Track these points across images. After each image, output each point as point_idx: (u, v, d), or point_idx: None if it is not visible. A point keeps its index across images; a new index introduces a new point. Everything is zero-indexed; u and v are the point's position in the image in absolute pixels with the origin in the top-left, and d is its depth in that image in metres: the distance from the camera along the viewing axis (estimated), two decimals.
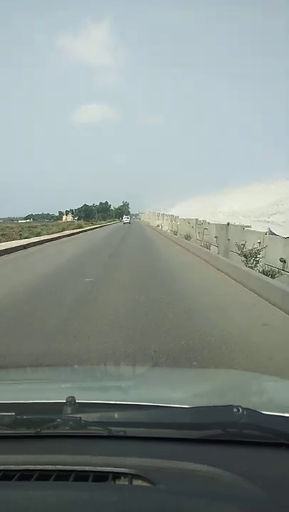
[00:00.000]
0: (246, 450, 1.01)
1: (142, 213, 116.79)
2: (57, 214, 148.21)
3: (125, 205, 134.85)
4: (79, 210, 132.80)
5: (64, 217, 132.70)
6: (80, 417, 1.03)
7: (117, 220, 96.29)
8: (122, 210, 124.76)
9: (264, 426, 1.01)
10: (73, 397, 1.07)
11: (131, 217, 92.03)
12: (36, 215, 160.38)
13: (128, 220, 72.51)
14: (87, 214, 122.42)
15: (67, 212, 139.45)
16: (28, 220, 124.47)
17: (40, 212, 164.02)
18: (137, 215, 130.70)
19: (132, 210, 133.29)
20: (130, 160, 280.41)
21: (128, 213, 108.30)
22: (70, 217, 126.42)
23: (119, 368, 2.89)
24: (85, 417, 1.04)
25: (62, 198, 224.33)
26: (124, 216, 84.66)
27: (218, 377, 1.95)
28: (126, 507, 0.82)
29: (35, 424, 1.04)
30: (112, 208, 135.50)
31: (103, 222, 74.95)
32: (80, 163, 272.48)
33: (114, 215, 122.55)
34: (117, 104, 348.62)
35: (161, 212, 40.65)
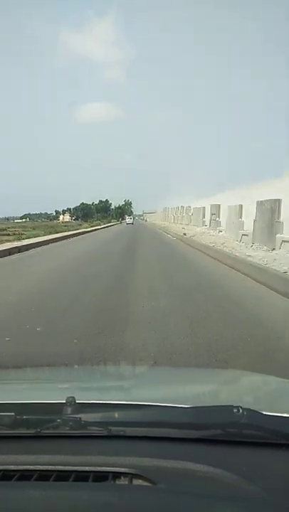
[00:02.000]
0: (246, 450, 1.01)
1: (147, 213, 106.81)
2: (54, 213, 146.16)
3: (127, 203, 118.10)
4: (76, 209, 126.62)
5: (61, 216, 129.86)
6: (80, 417, 1.03)
7: (114, 222, 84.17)
8: (124, 210, 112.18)
9: (264, 426, 1.01)
10: (73, 397, 1.07)
11: (134, 217, 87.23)
12: (33, 214, 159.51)
13: (131, 221, 68.80)
14: (85, 213, 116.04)
15: (64, 212, 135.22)
16: (24, 220, 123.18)
17: (38, 212, 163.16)
18: (141, 215, 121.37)
19: (134, 210, 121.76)
20: (132, 158, 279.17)
21: (131, 213, 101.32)
22: (67, 217, 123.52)
23: (119, 368, 2.90)
24: (84, 417, 1.04)
25: (62, 196, 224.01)
26: (127, 217, 79.25)
27: (218, 377, 1.95)
28: (126, 507, 0.82)
29: (35, 425, 1.04)
30: (112, 206, 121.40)
31: (82, 228, 40.59)
32: (81, 161, 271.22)
33: (114, 215, 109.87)
34: (120, 101, 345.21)
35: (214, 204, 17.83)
